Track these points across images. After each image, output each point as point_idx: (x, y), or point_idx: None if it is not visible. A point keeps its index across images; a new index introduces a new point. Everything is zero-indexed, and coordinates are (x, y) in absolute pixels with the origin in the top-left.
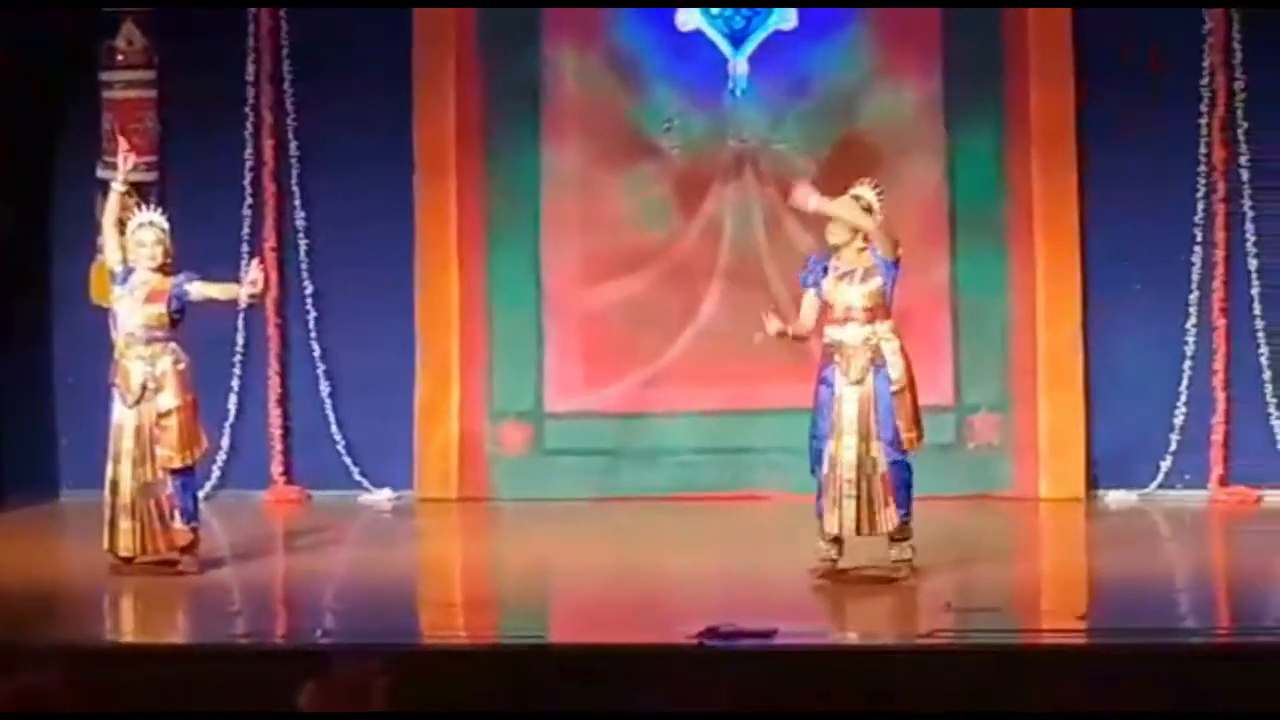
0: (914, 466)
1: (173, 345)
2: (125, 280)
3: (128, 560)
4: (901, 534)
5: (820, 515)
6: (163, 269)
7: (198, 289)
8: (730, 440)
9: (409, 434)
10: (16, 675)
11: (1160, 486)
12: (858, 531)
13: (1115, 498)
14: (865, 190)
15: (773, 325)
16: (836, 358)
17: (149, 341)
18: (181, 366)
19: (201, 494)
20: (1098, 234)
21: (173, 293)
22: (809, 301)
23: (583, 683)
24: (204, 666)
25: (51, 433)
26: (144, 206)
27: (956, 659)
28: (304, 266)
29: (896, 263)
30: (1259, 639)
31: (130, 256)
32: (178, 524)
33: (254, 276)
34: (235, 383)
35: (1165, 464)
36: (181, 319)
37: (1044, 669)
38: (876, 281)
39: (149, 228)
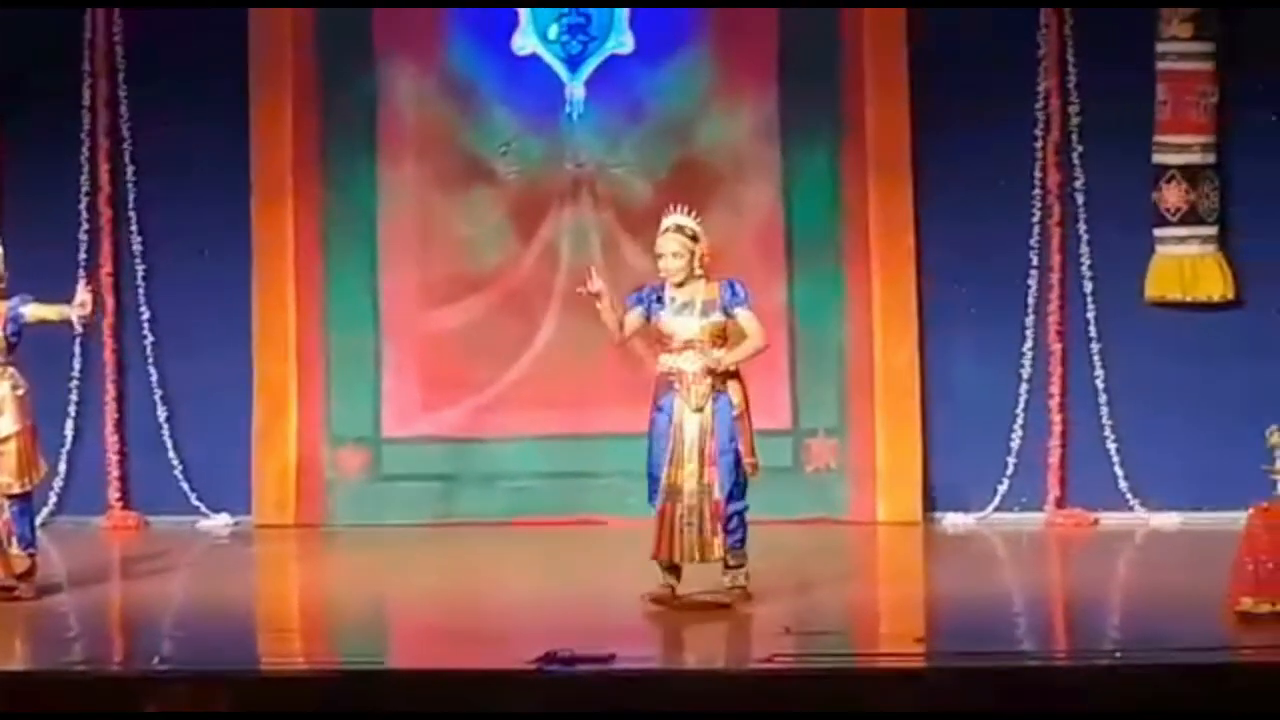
0: (751, 490)
1: (12, 370)
2: None
3: None
4: (737, 560)
5: (658, 543)
6: None
7: (32, 310)
8: (568, 465)
9: (246, 459)
10: None
11: (997, 509)
12: (693, 559)
13: (952, 521)
14: (685, 219)
15: (597, 284)
16: (676, 385)
17: None
18: (21, 392)
19: (39, 520)
20: (934, 257)
21: (8, 315)
22: (632, 319)
23: (422, 708)
24: (41, 693)
25: None
26: None
27: (796, 683)
28: (141, 291)
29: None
30: (1095, 661)
31: None
32: (15, 550)
33: (82, 299)
34: (72, 408)
35: (1002, 487)
36: (18, 342)
37: (883, 692)
38: (718, 317)
39: None
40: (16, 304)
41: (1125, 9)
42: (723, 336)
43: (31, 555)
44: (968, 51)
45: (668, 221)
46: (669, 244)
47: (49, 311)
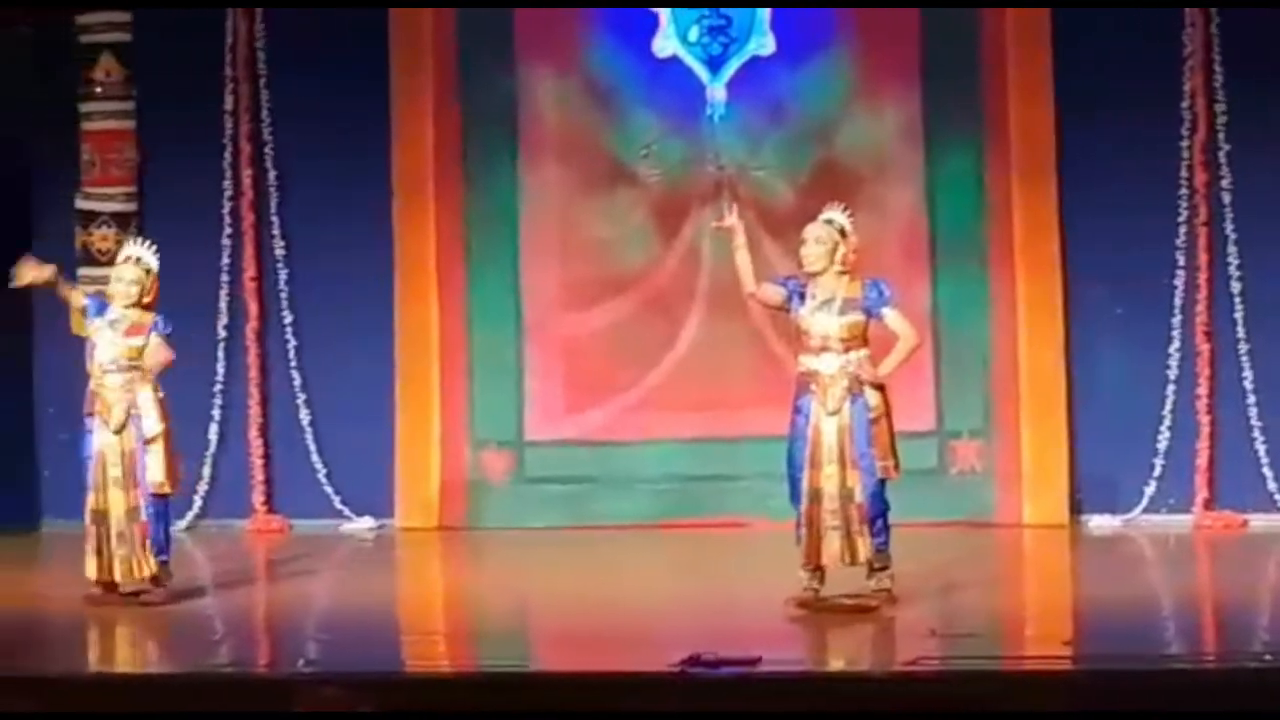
0: (896, 493)
1: (151, 375)
2: (100, 311)
3: (108, 587)
4: (881, 563)
5: (801, 545)
6: (143, 304)
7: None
8: (710, 467)
9: (390, 462)
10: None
11: (1144, 512)
12: (841, 561)
13: (1099, 523)
14: (837, 214)
15: (731, 219)
16: (813, 387)
17: (129, 369)
18: (160, 395)
19: (183, 524)
20: (1079, 257)
21: (150, 332)
22: (769, 288)
23: (565, 711)
24: (187, 696)
25: (33, 463)
26: (134, 240)
27: (942, 686)
28: (283, 295)
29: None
30: (1244, 664)
31: (110, 289)
32: (148, 555)
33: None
34: (216, 412)
35: (1149, 489)
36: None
37: (1029, 695)
38: (857, 316)
39: (133, 265)
40: (160, 325)
41: (1273, 8)
42: (861, 337)
43: (164, 562)
44: (1112, 50)
45: (822, 215)
46: (813, 231)
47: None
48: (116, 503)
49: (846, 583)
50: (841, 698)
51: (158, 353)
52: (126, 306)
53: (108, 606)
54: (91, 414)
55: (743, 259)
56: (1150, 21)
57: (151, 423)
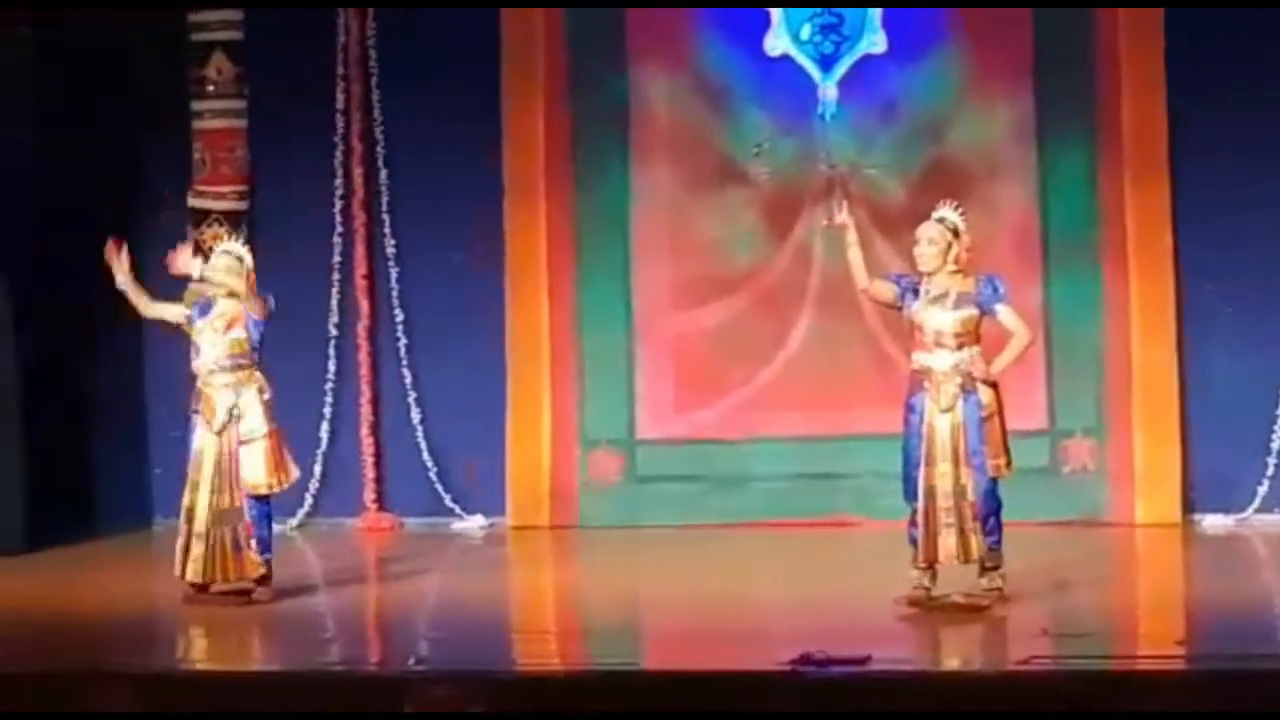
0: (1008, 492)
1: (257, 374)
2: (204, 313)
3: (199, 588)
4: (993, 562)
5: (915, 543)
6: (236, 295)
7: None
8: (821, 466)
9: (500, 461)
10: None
11: (1258, 511)
12: (956, 559)
13: (1212, 522)
14: (949, 212)
15: (843, 216)
16: (925, 384)
17: (233, 369)
18: (266, 396)
19: (294, 522)
20: (1192, 255)
21: (247, 319)
22: (881, 284)
23: (676, 709)
24: (298, 693)
25: (145, 461)
26: (231, 236)
27: (1054, 685)
28: (394, 294)
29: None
30: None
31: (215, 290)
32: (254, 554)
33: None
34: (327, 410)
35: (1263, 488)
36: (261, 346)
37: (1141, 695)
38: (970, 311)
39: (222, 256)
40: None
41: None
42: (974, 333)
43: (268, 560)
44: (1225, 48)
45: (936, 213)
46: (926, 231)
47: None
48: (201, 503)
49: (958, 582)
50: (952, 697)
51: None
52: (225, 298)
53: (214, 605)
54: (196, 412)
55: (855, 256)
56: (1262, 19)
57: (253, 423)
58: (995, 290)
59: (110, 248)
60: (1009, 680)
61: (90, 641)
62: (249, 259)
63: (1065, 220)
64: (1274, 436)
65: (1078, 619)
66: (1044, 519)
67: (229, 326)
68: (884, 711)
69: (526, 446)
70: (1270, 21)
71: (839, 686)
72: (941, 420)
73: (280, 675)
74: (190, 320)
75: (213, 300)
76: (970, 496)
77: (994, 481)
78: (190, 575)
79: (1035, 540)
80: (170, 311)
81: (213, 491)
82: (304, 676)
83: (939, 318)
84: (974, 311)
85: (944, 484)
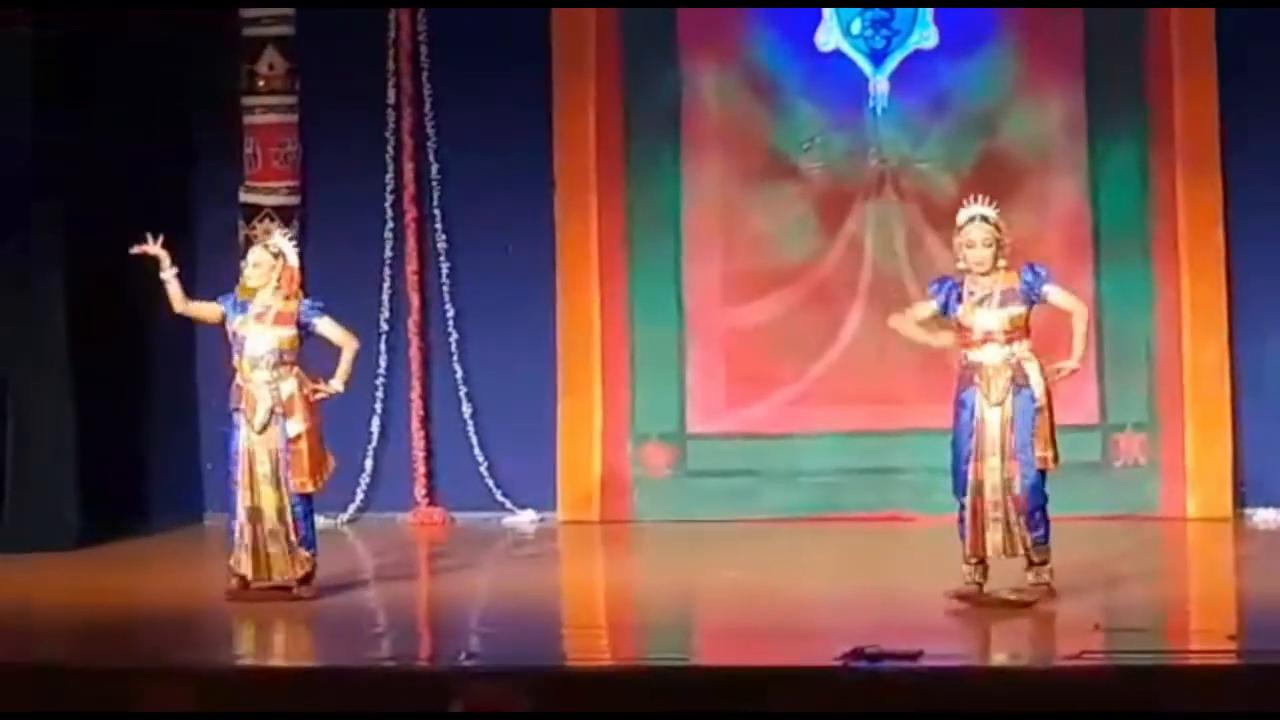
0: (1060, 486)
1: (298, 369)
2: (243, 308)
3: (246, 584)
4: (1040, 557)
5: (965, 538)
6: (285, 292)
7: (325, 325)
8: (873, 461)
9: (551, 456)
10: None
11: None
12: (1003, 554)
13: (1264, 517)
14: (988, 209)
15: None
16: (976, 379)
17: (276, 365)
18: (306, 391)
19: (345, 516)
20: (1244, 251)
21: (300, 318)
22: (921, 310)
23: (728, 704)
24: (350, 688)
25: (195, 457)
26: (282, 231)
27: (1106, 680)
28: (445, 288)
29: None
30: None
31: (249, 280)
32: (301, 551)
33: (337, 388)
34: (378, 405)
35: None
36: (305, 342)
37: (1194, 689)
38: (1018, 308)
39: (262, 249)
40: (310, 309)
41: None
42: (1024, 328)
43: (313, 556)
44: (1277, 46)
45: (970, 211)
46: (978, 233)
47: (336, 335)
48: (267, 501)
49: (1008, 578)
50: (1004, 691)
51: (329, 329)
52: (272, 293)
53: (262, 602)
54: (238, 409)
55: (918, 335)
56: None
57: (296, 422)
58: (1038, 275)
59: (148, 242)
60: (1061, 675)
61: (142, 637)
62: (291, 254)
63: (1116, 216)
64: None
65: (1129, 614)
66: (1095, 513)
67: (277, 322)
68: (936, 707)
69: (577, 441)
70: None
71: (891, 682)
72: (992, 414)
73: (331, 671)
74: (227, 317)
75: (250, 297)
76: (1016, 490)
77: (1041, 475)
78: (277, 575)
79: (1086, 534)
80: (205, 310)
81: (273, 489)
82: (355, 672)
83: (986, 319)
84: (1022, 309)
85: (992, 478)
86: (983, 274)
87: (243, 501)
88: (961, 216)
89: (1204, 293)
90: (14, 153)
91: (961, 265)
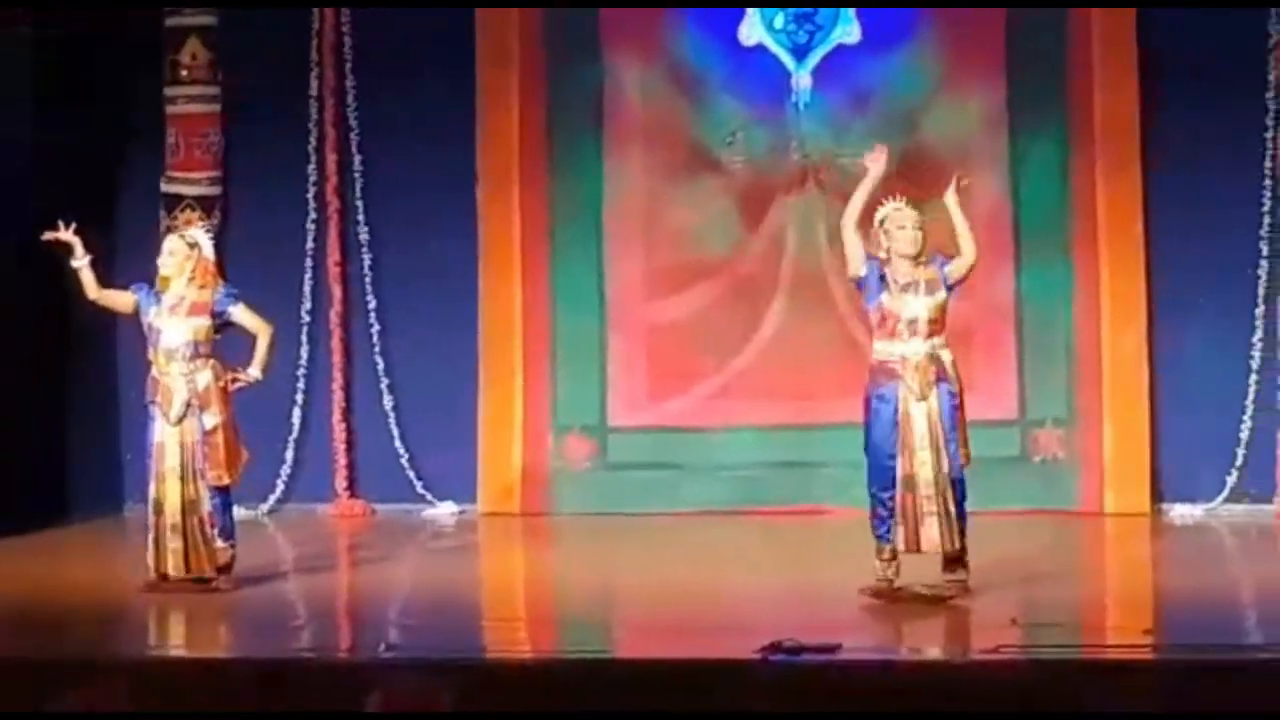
0: (979, 481)
1: (213, 361)
2: (158, 299)
3: (161, 576)
4: (959, 553)
5: (884, 535)
6: (199, 282)
7: (239, 312)
8: (793, 454)
9: (473, 448)
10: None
11: (1226, 501)
12: (942, 547)
13: (1181, 512)
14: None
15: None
16: (898, 372)
17: (192, 357)
18: (222, 383)
19: (265, 507)
20: (1163, 246)
21: (214, 307)
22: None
23: (647, 698)
24: (268, 680)
25: (116, 447)
26: (203, 221)
27: (1022, 674)
28: (367, 280)
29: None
30: None
31: (163, 269)
32: (218, 542)
33: (257, 376)
34: (299, 396)
35: (1231, 478)
36: (222, 333)
37: (1110, 684)
38: (941, 295)
39: (177, 238)
40: (224, 297)
41: None
42: (943, 320)
43: (231, 547)
44: (1197, 42)
45: (894, 204)
46: (908, 217)
47: (251, 322)
48: (171, 495)
49: (921, 574)
50: (923, 685)
51: (244, 317)
52: (185, 284)
53: (176, 593)
54: (154, 402)
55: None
56: (1235, 14)
57: (211, 415)
58: (943, 264)
59: (59, 228)
60: (978, 669)
61: (60, 628)
62: (206, 245)
63: (1036, 211)
64: (1242, 427)
65: (1046, 609)
66: (1014, 508)
67: (192, 313)
68: (854, 700)
69: (498, 433)
70: (1242, 15)
71: (810, 675)
72: (918, 409)
73: (250, 662)
74: (140, 308)
75: (162, 288)
76: (947, 485)
77: (962, 470)
78: (172, 569)
79: (1005, 530)
80: (118, 299)
81: (180, 483)
82: (274, 664)
83: (914, 305)
84: (944, 294)
85: (925, 472)
86: (913, 257)
87: (153, 495)
88: (881, 212)
89: (1123, 287)
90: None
91: (884, 253)
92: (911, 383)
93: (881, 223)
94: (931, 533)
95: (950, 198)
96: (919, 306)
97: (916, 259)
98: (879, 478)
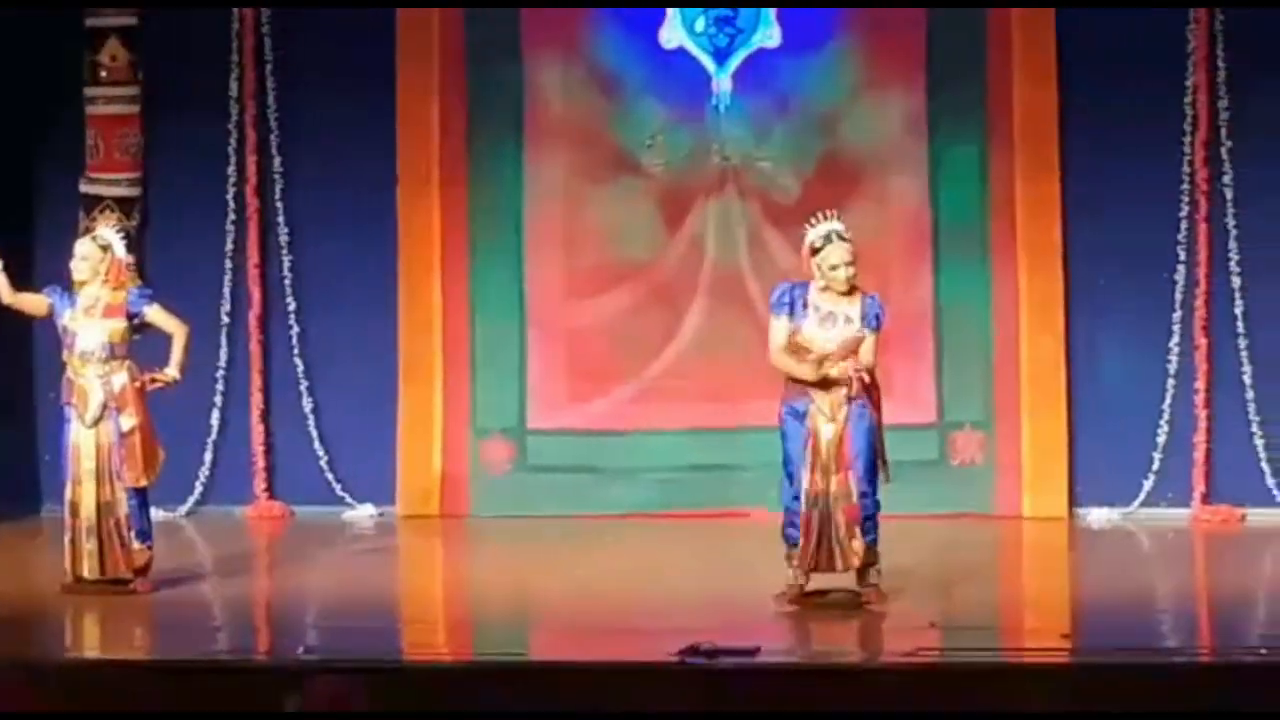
0: (897, 485)
1: (129, 362)
2: (72, 302)
3: (81, 580)
4: (870, 559)
5: (792, 541)
6: (112, 284)
7: (153, 313)
8: (712, 457)
9: (392, 450)
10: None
11: (1143, 505)
12: (839, 568)
13: (1098, 516)
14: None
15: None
16: (811, 393)
17: (107, 359)
18: (138, 384)
19: (184, 509)
20: (1081, 251)
21: (129, 308)
22: (778, 331)
23: (563, 700)
24: (186, 682)
25: (33, 449)
26: (123, 222)
27: (941, 677)
28: (287, 282)
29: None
30: (1239, 658)
31: (76, 274)
32: (135, 544)
33: (175, 376)
34: (218, 398)
35: (1148, 483)
36: (139, 333)
37: (1027, 687)
38: (858, 331)
39: (89, 241)
40: (138, 298)
41: (1273, 8)
42: (857, 349)
43: (149, 549)
44: (1116, 46)
45: (825, 228)
46: (840, 254)
47: (166, 322)
48: (87, 497)
49: (836, 579)
50: (841, 688)
51: (159, 317)
52: (99, 286)
53: (93, 595)
54: (69, 404)
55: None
56: (1154, 17)
57: (128, 416)
58: (878, 316)
59: None
60: (897, 672)
61: None
62: (119, 246)
63: (956, 213)
64: (1160, 431)
65: (964, 612)
66: (931, 512)
67: (107, 314)
68: (771, 703)
69: (417, 436)
70: (1161, 18)
71: (727, 678)
72: (827, 428)
73: (167, 665)
74: (54, 311)
75: (77, 290)
76: (853, 499)
77: (874, 482)
78: (87, 572)
79: (922, 533)
80: (32, 302)
81: (96, 484)
82: (191, 665)
83: (829, 339)
84: (862, 332)
85: (830, 490)
86: (842, 293)
87: (69, 497)
88: (815, 235)
89: (1041, 290)
90: None
91: (820, 283)
92: (822, 403)
93: (814, 251)
94: (828, 553)
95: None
96: (834, 341)
97: (845, 293)
98: (790, 488)
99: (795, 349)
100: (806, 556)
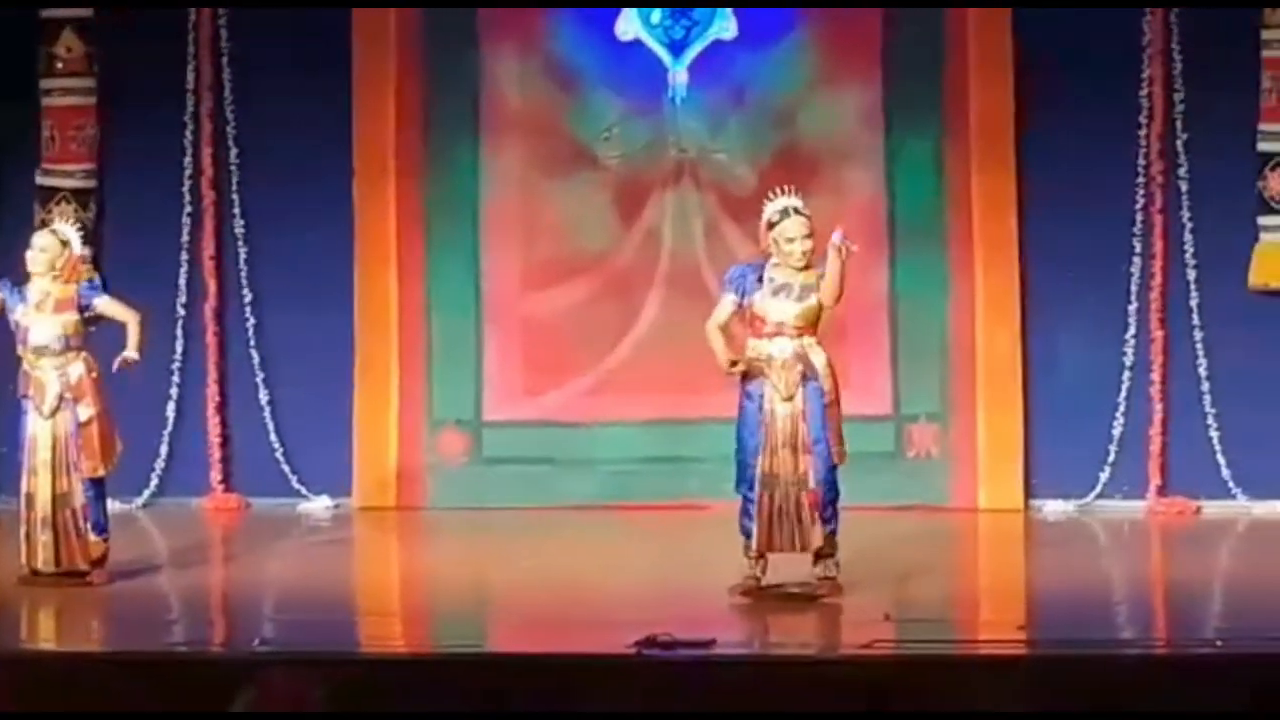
0: (852, 477)
1: (85, 354)
2: (23, 297)
3: (37, 572)
4: (829, 549)
5: (748, 533)
6: (64, 278)
7: (104, 304)
8: (669, 449)
9: (348, 442)
10: None
11: (1098, 497)
12: (794, 549)
13: (1053, 508)
14: (798, 201)
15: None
16: (765, 371)
17: (63, 351)
18: (95, 375)
19: (140, 501)
20: (1037, 243)
21: (79, 301)
22: (723, 310)
23: (521, 692)
24: (141, 674)
25: None
26: (79, 214)
27: (897, 670)
28: (243, 273)
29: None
30: (1195, 650)
31: (31, 265)
32: (92, 536)
33: (132, 356)
34: (174, 389)
35: (1104, 475)
36: (93, 324)
37: (984, 679)
38: (812, 301)
39: (49, 234)
40: (89, 289)
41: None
42: (814, 324)
43: (105, 540)
44: (1072, 38)
45: (782, 203)
46: (797, 228)
47: (118, 311)
48: (42, 488)
49: (792, 571)
50: (797, 681)
51: (110, 307)
52: (50, 280)
53: (53, 588)
54: (26, 396)
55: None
56: (1110, 12)
57: (85, 407)
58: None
59: None
60: (852, 664)
61: None
62: (76, 241)
63: (912, 207)
64: (1115, 423)
65: (920, 604)
66: (887, 504)
67: (59, 309)
68: (728, 696)
69: (374, 428)
70: (1117, 12)
71: (684, 670)
72: (782, 408)
73: (123, 656)
74: (7, 306)
75: (29, 282)
76: (812, 485)
77: (834, 470)
78: (42, 564)
79: (878, 526)
80: None
81: (52, 476)
82: (147, 657)
83: (783, 309)
84: (815, 303)
85: (784, 473)
86: (800, 268)
87: (25, 489)
88: (772, 209)
89: (997, 283)
90: None
91: (776, 260)
92: (778, 382)
93: (770, 225)
94: (784, 533)
95: (833, 251)
96: (788, 311)
97: (802, 267)
98: (745, 476)
99: (750, 319)
100: (763, 538)
